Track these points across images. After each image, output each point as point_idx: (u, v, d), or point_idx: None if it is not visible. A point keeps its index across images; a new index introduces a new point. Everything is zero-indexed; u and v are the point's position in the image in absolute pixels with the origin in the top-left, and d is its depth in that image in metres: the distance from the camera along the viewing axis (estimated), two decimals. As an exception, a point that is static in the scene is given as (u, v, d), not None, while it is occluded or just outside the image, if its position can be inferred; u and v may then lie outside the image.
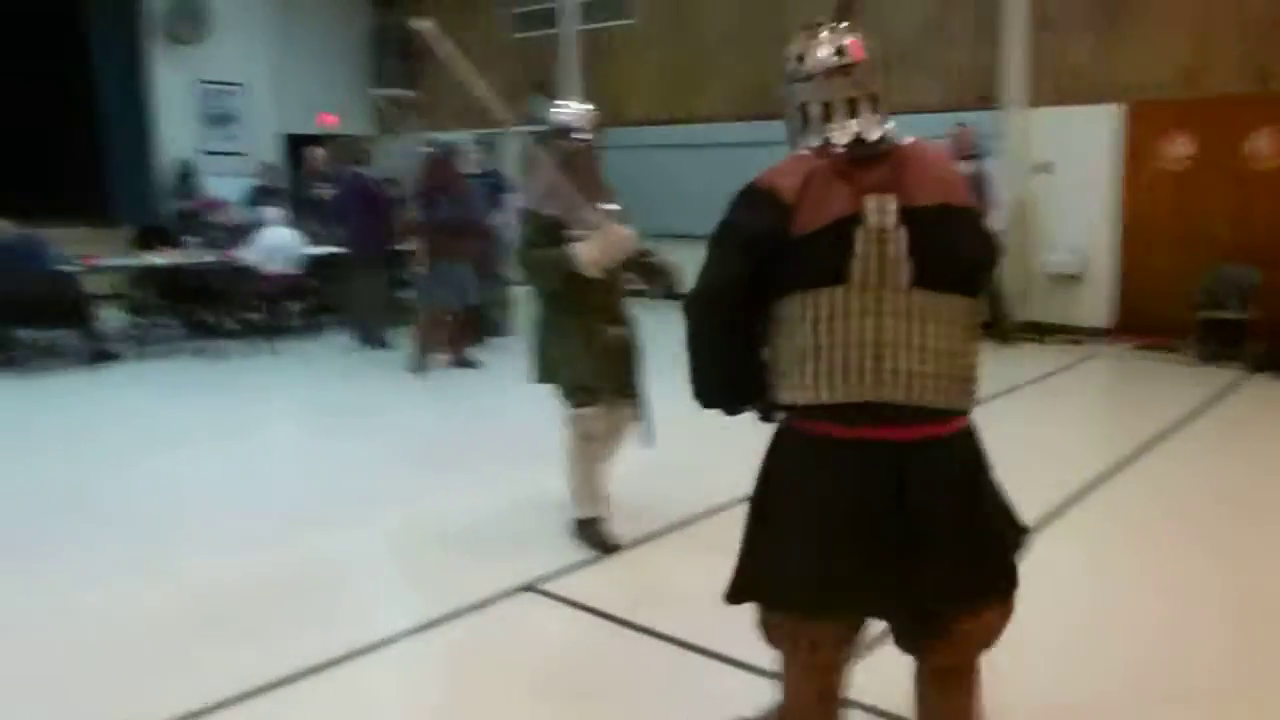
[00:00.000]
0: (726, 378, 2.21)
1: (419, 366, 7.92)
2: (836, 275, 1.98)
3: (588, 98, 12.60)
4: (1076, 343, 9.26)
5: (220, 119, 13.26)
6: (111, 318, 9.15)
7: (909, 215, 1.99)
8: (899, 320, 1.98)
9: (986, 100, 9.72)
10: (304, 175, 10.89)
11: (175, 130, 12.78)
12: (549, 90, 13.18)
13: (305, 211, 10.45)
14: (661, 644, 3.43)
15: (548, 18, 13.19)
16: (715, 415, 2.35)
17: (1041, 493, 4.75)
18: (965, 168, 9.02)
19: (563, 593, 3.84)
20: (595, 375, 4.13)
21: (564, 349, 4.14)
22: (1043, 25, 9.48)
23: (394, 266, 9.13)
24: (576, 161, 4.17)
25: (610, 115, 12.12)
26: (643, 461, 4.49)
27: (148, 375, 8.15)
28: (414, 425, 6.54)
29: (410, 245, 8.13)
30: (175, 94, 12.79)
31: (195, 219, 11.19)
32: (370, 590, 4.03)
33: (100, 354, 8.43)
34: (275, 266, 9.12)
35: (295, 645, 3.38)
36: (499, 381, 7.51)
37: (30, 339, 8.48)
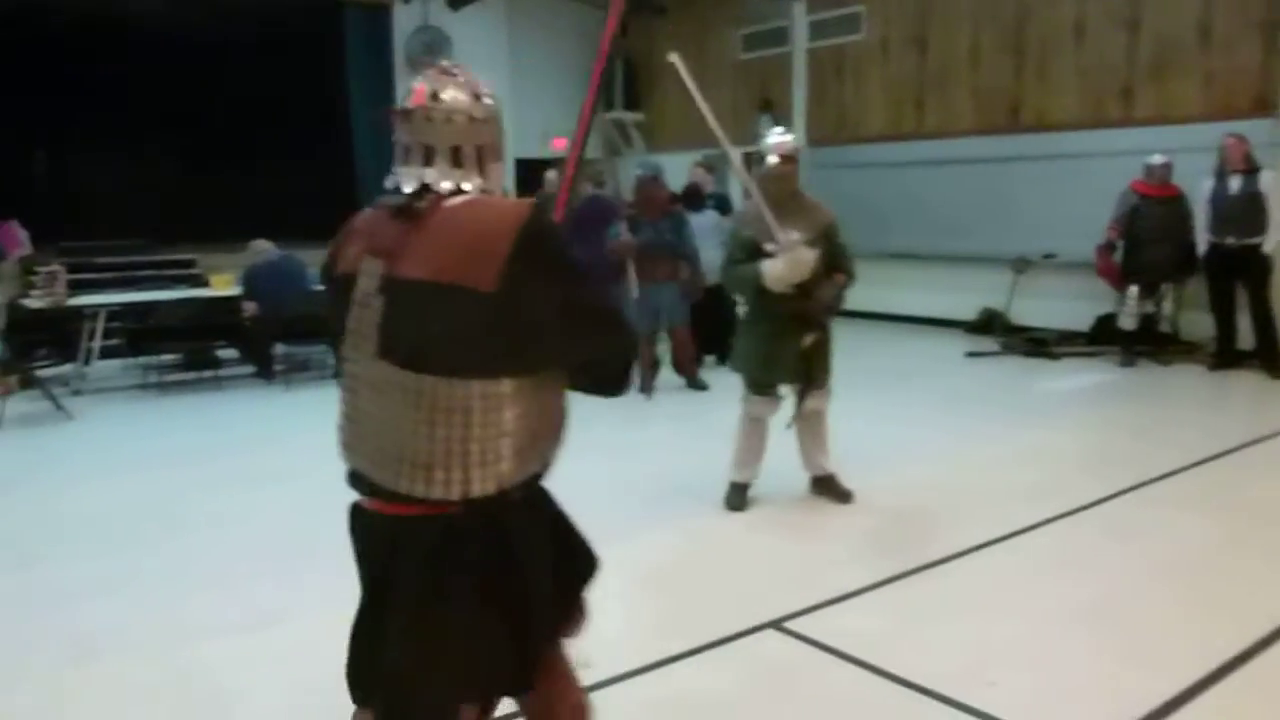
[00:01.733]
0: None
1: (644, 386, 7.91)
2: (341, 332, 1.94)
3: (817, 116, 12.54)
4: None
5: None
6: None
7: (389, 284, 1.85)
8: (371, 391, 1.88)
9: (1263, 107, 8.85)
10: (542, 195, 11.14)
11: (418, 155, 13.39)
12: (776, 110, 13.06)
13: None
14: (902, 689, 3.19)
15: (777, 37, 13.06)
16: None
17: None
18: (1236, 184, 8.25)
19: (807, 632, 3.64)
20: (765, 371, 4.85)
21: (750, 344, 4.90)
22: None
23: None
24: (774, 186, 4.69)
25: (841, 133, 11.87)
26: (906, 492, 4.24)
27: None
28: (644, 447, 6.49)
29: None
30: (418, 121, 13.44)
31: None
32: (611, 619, 3.94)
33: (349, 369, 8.86)
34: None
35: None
36: (727, 403, 7.36)
37: (286, 353, 9.02)
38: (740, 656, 3.50)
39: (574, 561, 2.18)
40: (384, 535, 1.92)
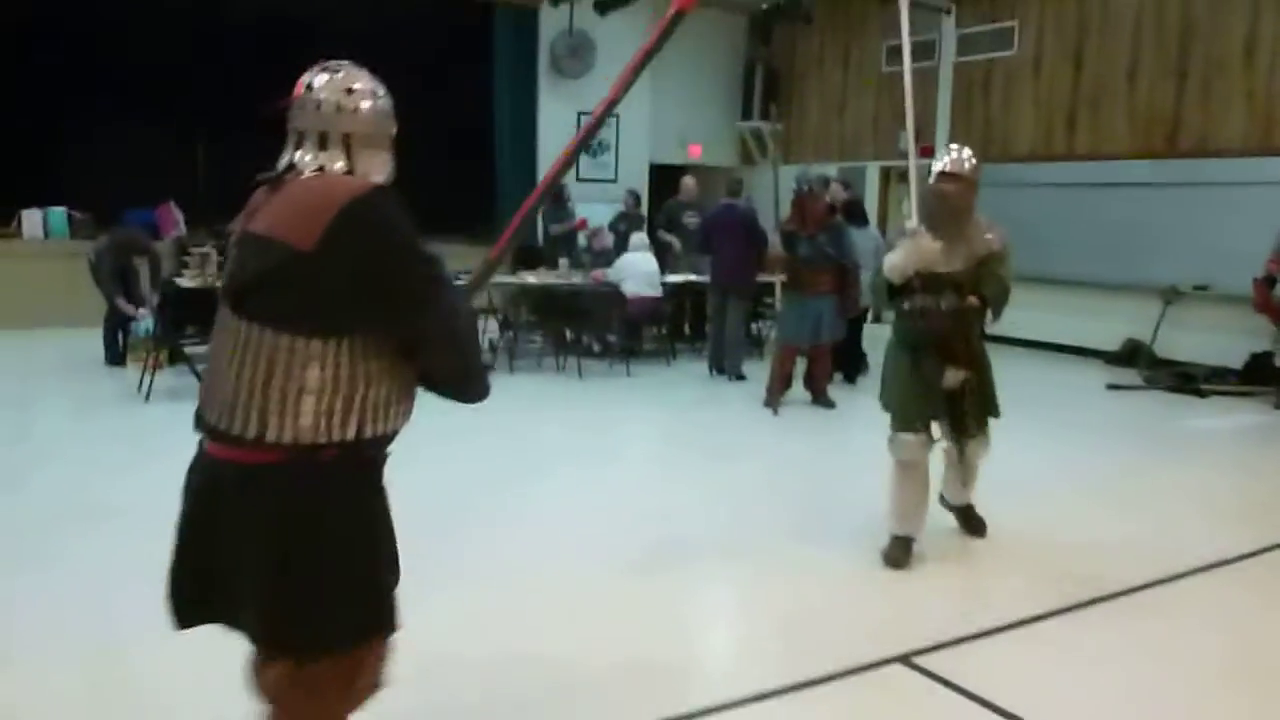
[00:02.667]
0: None
1: (771, 401, 7.81)
2: None
3: (961, 132, 12.21)
4: None
5: (595, 148, 13.96)
6: (488, 330, 9.78)
7: (240, 238, 2.11)
8: (218, 333, 2.09)
9: None
10: (675, 203, 11.14)
11: (555, 157, 13.50)
12: (920, 126, 12.78)
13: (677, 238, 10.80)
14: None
15: (923, 50, 12.75)
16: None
17: None
18: None
19: (937, 669, 3.51)
20: (912, 405, 4.38)
21: (894, 375, 4.46)
22: None
23: (757, 298, 9.15)
24: (933, 204, 4.30)
25: (986, 150, 11.55)
26: (1044, 527, 4.05)
27: (519, 387, 8.61)
28: (768, 462, 6.40)
29: (774, 278, 8.09)
30: (558, 124, 13.59)
31: (563, 241, 11.81)
32: (733, 642, 3.88)
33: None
34: (635, 290, 9.37)
35: (645, 696, 3.29)
36: (855, 424, 7.24)
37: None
38: (866, 690, 3.39)
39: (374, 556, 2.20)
40: (205, 471, 2.10)
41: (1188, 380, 9.24)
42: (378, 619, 2.15)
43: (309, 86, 2.16)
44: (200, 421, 2.11)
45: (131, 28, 10.57)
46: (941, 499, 4.88)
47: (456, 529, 4.81)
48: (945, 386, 4.37)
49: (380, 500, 2.20)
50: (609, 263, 10.06)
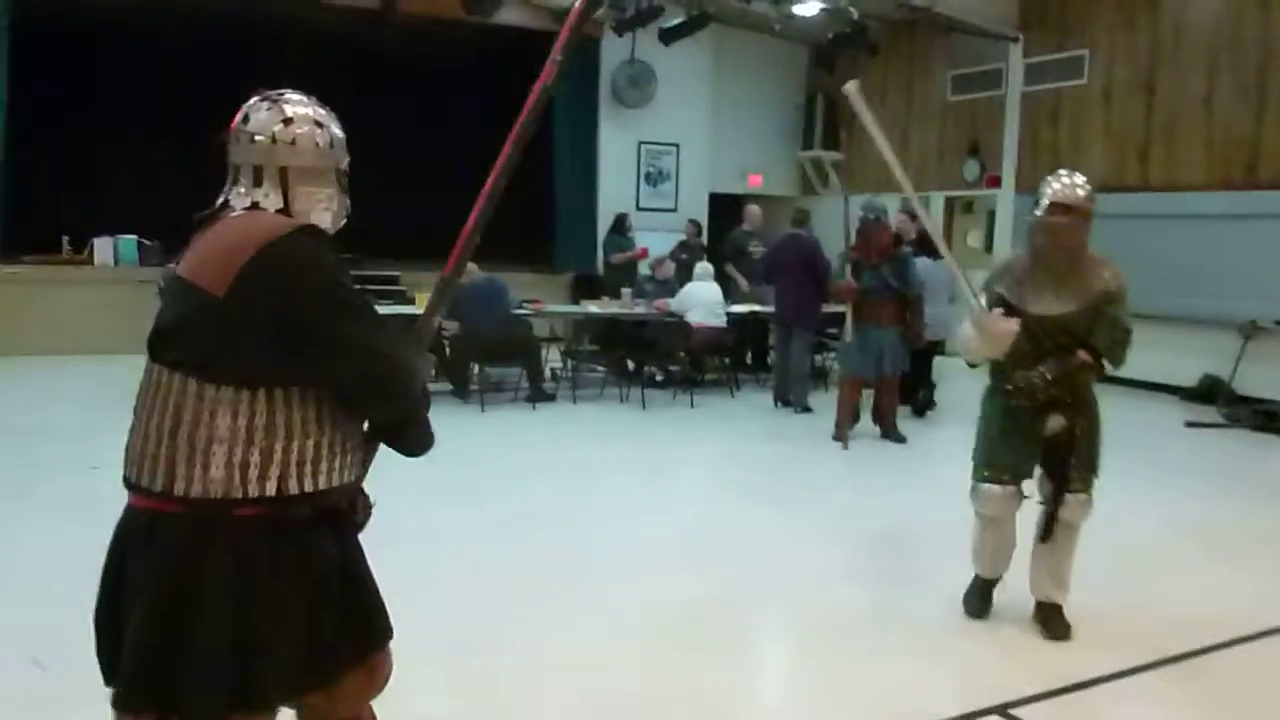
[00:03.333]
0: None
1: (840, 434, 7.66)
2: None
3: (1029, 162, 12.00)
4: None
5: (656, 176, 13.94)
6: (549, 359, 9.75)
7: (168, 280, 2.00)
8: (146, 382, 1.96)
9: None
10: (740, 233, 11.05)
11: (615, 186, 13.58)
12: (986, 155, 12.60)
13: (737, 268, 10.72)
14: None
15: (990, 79, 12.60)
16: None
17: None
18: None
19: (1036, 722, 3.35)
20: (1001, 453, 3.97)
21: (982, 417, 4.08)
22: None
23: (821, 330, 9.03)
24: (1041, 239, 3.87)
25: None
26: (1128, 575, 3.87)
27: (582, 417, 8.54)
28: (841, 499, 6.24)
29: (839, 309, 7.97)
30: (619, 153, 13.62)
31: (624, 270, 11.76)
32: (823, 688, 3.74)
33: (541, 394, 8.97)
34: (699, 319, 9.28)
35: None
36: (929, 459, 7.06)
37: (482, 375, 9.18)
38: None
39: (344, 616, 2.04)
40: (123, 523, 1.98)
41: (1270, 419, 8.93)
42: (235, 696, 1.89)
43: (245, 118, 2.03)
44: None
45: (198, 57, 10.76)
46: (1035, 609, 4.18)
47: (521, 566, 4.73)
48: (1047, 433, 3.90)
49: (297, 570, 1.94)
50: (671, 292, 9.99)
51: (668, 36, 12.10)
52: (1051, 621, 4.06)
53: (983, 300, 3.88)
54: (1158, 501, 6.26)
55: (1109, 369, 3.92)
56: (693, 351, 9.48)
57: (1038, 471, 4.03)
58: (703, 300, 9.38)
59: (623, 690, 3.48)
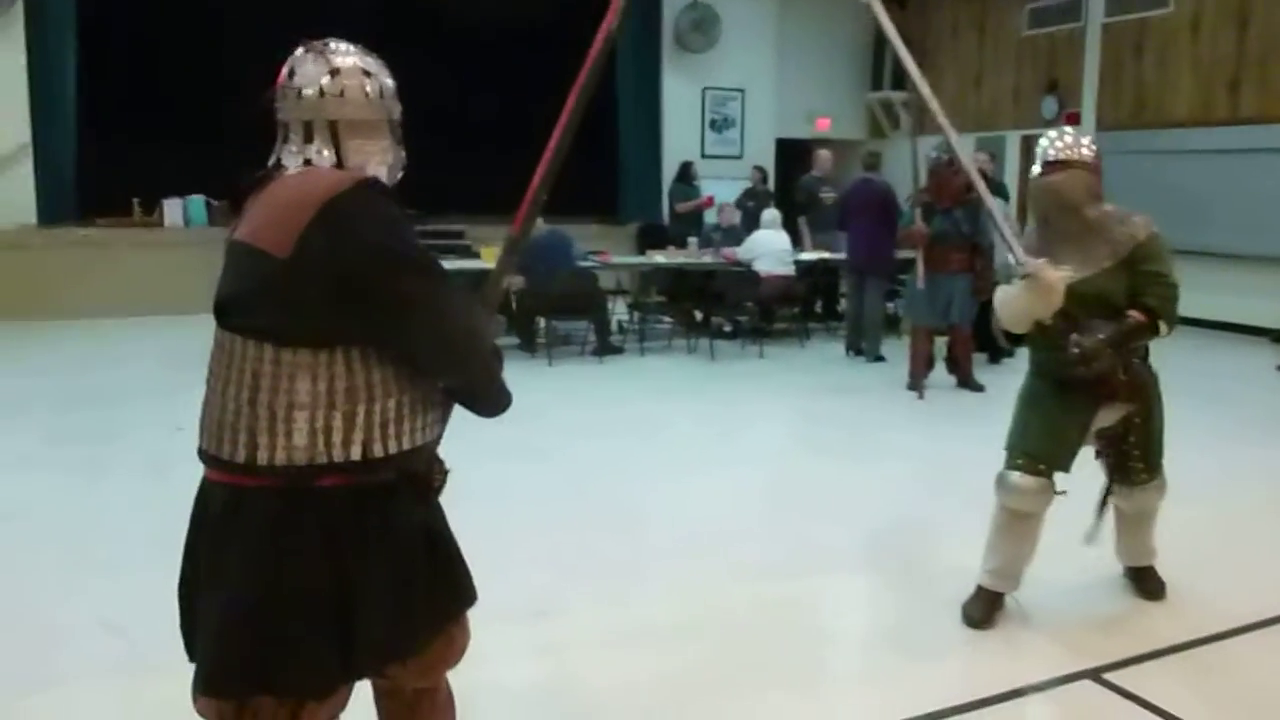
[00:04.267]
0: None
1: (915, 384, 7.47)
2: None
3: (1111, 98, 11.52)
4: None
5: (721, 123, 13.67)
6: (616, 311, 9.66)
7: (228, 246, 1.91)
8: (214, 352, 1.90)
9: None
10: (811, 178, 10.80)
11: (680, 134, 13.36)
12: (1064, 91, 12.12)
13: (807, 215, 10.49)
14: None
15: (1068, 11, 12.08)
16: None
17: None
18: None
19: (1129, 687, 3.20)
20: (1038, 439, 3.57)
21: (1022, 401, 3.71)
22: None
23: (894, 276, 8.81)
24: (1041, 201, 3.54)
25: (1140, 116, 10.86)
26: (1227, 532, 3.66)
27: (650, 370, 8.46)
28: (921, 454, 6.05)
29: (909, 255, 7.74)
30: (683, 100, 13.37)
31: (690, 220, 11.59)
32: (895, 651, 3.63)
33: (608, 347, 8.90)
34: (767, 268, 9.10)
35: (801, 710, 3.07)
36: (1008, 409, 6.83)
37: (549, 328, 9.13)
38: (1051, 707, 3.13)
39: (431, 584, 1.99)
40: (200, 498, 1.93)
41: (1368, 361, 8.53)
42: (340, 670, 1.88)
43: (290, 72, 1.94)
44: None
45: (259, 14, 10.74)
46: (1125, 572, 4.00)
47: (591, 525, 4.68)
48: (1099, 427, 3.58)
49: (383, 537, 1.89)
50: (737, 241, 9.81)
51: (730, -22, 11.79)
52: (1144, 580, 3.89)
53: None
54: (1250, 459, 5.96)
55: (1163, 331, 3.46)
56: (761, 301, 9.30)
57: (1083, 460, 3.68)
58: (770, 248, 9.20)
59: (694, 664, 3.40)
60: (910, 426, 6.72)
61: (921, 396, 7.33)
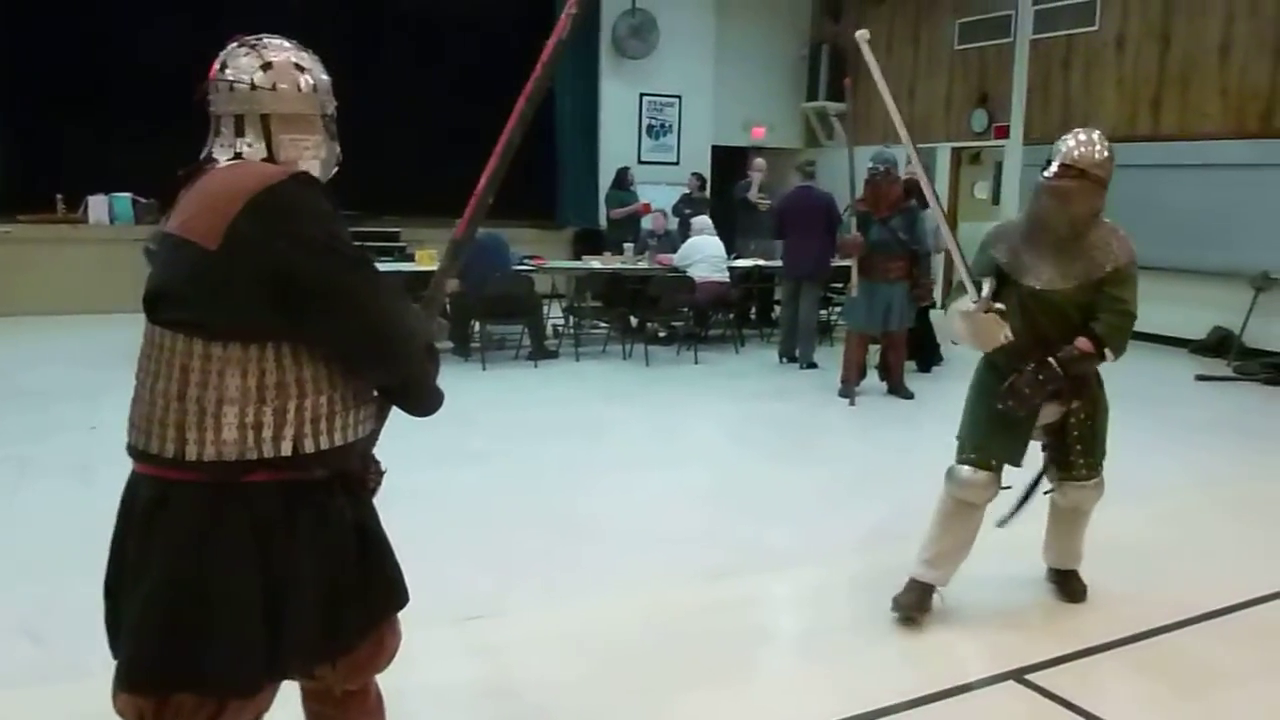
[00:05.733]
0: None
1: (847, 391, 7.57)
2: None
3: (1039, 112, 11.79)
4: None
5: (658, 129, 13.73)
6: (551, 316, 9.63)
7: (158, 239, 1.94)
8: (144, 346, 1.88)
9: None
10: (741, 186, 10.89)
11: (617, 139, 13.38)
12: (994, 104, 12.39)
13: (741, 222, 10.56)
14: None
15: (998, 27, 12.34)
16: None
17: None
18: None
19: (1052, 687, 3.28)
20: (987, 436, 3.62)
21: (973, 395, 3.73)
22: None
23: (828, 285, 8.92)
24: (1046, 206, 3.49)
25: (1065, 130, 11.07)
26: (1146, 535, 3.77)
27: (585, 374, 8.46)
28: (850, 459, 6.16)
29: (845, 264, 7.85)
30: (620, 105, 13.39)
31: (626, 225, 11.61)
32: (828, 652, 3.68)
33: (543, 351, 8.87)
34: (703, 274, 9.16)
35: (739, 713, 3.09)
36: (936, 416, 6.96)
37: (483, 332, 9.06)
38: (975, 709, 3.18)
39: (362, 584, 1.98)
40: (128, 492, 1.91)
41: (1281, 372, 8.84)
42: (267, 667, 1.86)
43: (223, 65, 1.93)
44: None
45: (193, 7, 10.54)
46: (1048, 573, 4.07)
47: (526, 527, 4.66)
48: (1043, 423, 3.65)
49: (314, 534, 1.87)
50: (674, 246, 9.86)
51: (670, -16, 11.85)
52: (1067, 582, 3.98)
53: (985, 290, 3.51)
54: (1175, 458, 6.18)
55: (1109, 358, 3.53)
56: (696, 307, 9.36)
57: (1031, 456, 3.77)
58: (706, 254, 9.26)
59: (628, 664, 3.41)
60: (844, 431, 6.83)
61: (853, 403, 7.43)
